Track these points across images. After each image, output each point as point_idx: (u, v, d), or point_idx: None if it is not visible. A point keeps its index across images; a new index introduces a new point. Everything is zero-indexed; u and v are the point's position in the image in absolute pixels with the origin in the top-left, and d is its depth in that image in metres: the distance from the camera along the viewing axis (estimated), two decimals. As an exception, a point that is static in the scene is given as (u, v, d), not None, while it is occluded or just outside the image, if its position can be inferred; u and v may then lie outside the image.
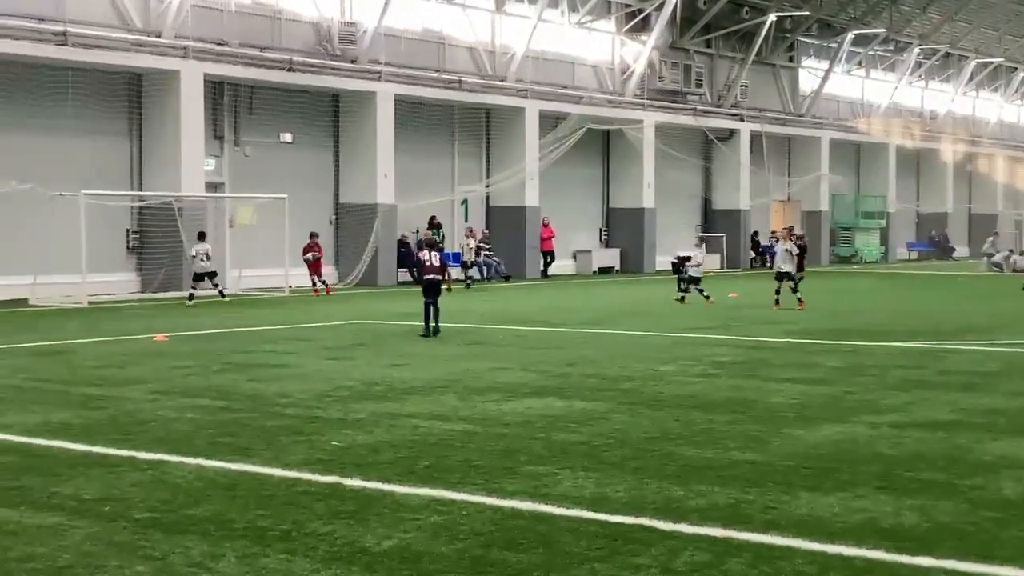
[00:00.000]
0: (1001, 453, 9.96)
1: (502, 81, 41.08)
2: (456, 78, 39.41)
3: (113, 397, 13.11)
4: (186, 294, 28.85)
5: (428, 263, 20.39)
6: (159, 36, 31.56)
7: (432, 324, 19.97)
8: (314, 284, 32.37)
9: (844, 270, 50.95)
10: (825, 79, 56.69)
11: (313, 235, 32.98)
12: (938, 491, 8.55)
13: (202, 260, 28.73)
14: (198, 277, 28.77)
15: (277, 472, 9.16)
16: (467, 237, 37.72)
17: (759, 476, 9.01)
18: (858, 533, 7.37)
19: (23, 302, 27.64)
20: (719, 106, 51.07)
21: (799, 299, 26.32)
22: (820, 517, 7.77)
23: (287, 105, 35.70)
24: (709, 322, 23.05)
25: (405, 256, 37.86)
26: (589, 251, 46.69)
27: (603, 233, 48.02)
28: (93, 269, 28.36)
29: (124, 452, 9.91)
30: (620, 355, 17.38)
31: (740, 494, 8.40)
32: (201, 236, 29.24)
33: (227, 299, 29.21)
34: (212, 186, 33.54)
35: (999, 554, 6.96)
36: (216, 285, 29.34)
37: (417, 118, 39.01)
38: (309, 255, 32.50)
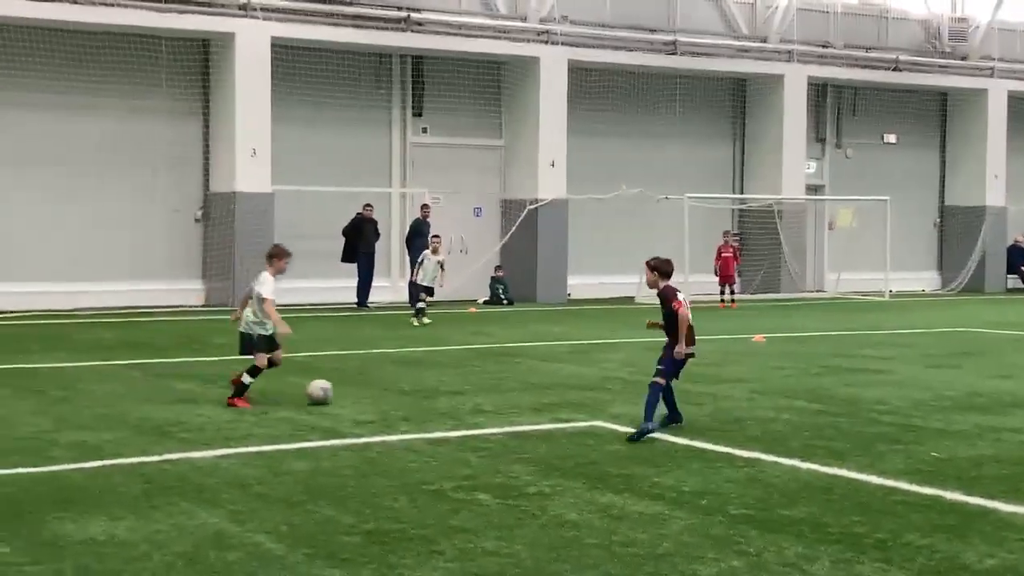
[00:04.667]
0: None
1: None
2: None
3: (712, 394, 13.47)
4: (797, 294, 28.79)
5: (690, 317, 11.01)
6: (764, 41, 32.03)
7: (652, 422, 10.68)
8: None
9: None
10: None
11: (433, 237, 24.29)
12: None
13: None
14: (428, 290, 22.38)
15: (873, 479, 8.99)
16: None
17: None
18: None
19: (630, 300, 29.12)
20: None
21: None
22: None
23: (891, 105, 34.91)
24: None
25: (1016, 260, 35.86)
26: None
27: None
28: (696, 270, 29.25)
29: (722, 448, 10.16)
30: None
31: None
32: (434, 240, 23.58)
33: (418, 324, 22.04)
34: (812, 188, 33.55)
35: None
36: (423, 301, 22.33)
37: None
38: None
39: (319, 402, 12.19)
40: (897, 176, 34.79)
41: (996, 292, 34.51)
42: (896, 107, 35.04)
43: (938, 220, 36.21)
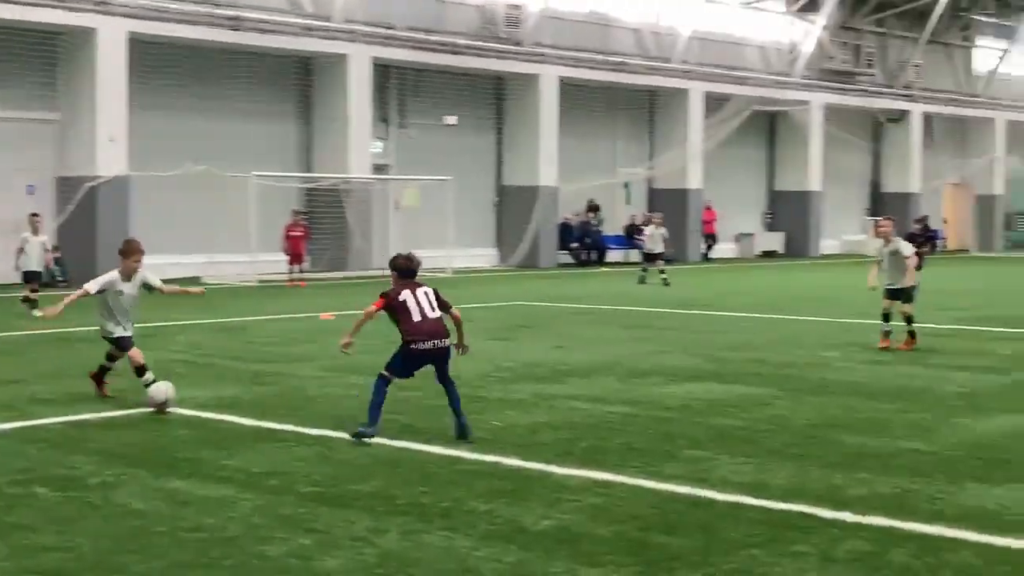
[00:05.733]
0: None
1: (666, 63, 40.76)
2: (620, 60, 39.26)
3: (282, 373, 13.46)
4: (316, 276, 29.20)
5: (422, 312, 9.77)
6: (328, 20, 32.19)
7: (459, 420, 9.85)
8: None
9: (1020, 256, 49.24)
10: (1002, 59, 54.73)
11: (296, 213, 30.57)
12: (1116, 486, 8.22)
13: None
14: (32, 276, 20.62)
15: (438, 450, 9.30)
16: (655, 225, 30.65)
17: (925, 466, 8.80)
18: (1029, 527, 7.15)
19: (195, 280, 28.52)
20: (890, 87, 49.78)
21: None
22: (988, 509, 7.56)
23: (452, 87, 36.08)
24: (877, 307, 22.52)
25: (567, 238, 38.16)
26: (752, 234, 46.10)
27: (767, 216, 47.34)
28: (264, 249, 29.08)
29: (291, 427, 10.18)
30: (783, 340, 17.14)
31: (905, 483, 8.23)
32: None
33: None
34: (378, 168, 34.13)
35: None
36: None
37: (581, 100, 39.00)
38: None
39: (161, 405, 10.81)
40: (458, 156, 36.02)
41: (549, 268, 36.46)
42: (456, 89, 36.26)
43: (496, 199, 37.84)
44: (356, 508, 7.53)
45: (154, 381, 11.01)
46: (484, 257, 37.14)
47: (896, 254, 16.23)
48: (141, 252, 11.53)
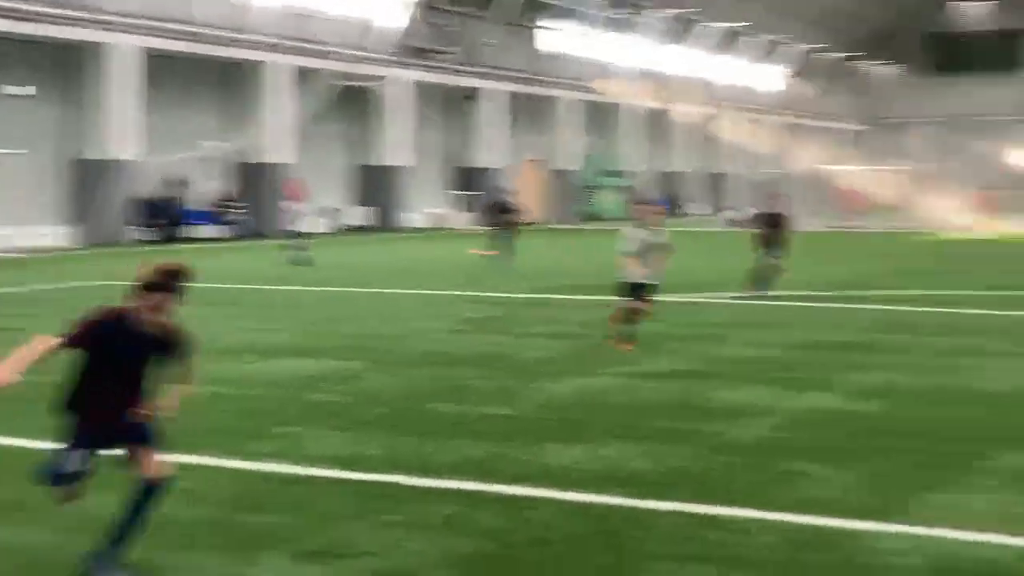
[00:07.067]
0: (737, 401, 10.41)
1: (247, 34, 40.18)
2: (199, 30, 38.32)
3: None
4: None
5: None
6: None
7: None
8: None
9: (587, 227, 52.14)
10: (567, 41, 57.67)
11: None
12: (675, 438, 8.88)
13: None
14: None
15: (19, 443, 8.76)
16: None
17: (510, 430, 9.16)
18: (599, 481, 7.59)
19: None
20: (468, 65, 51.37)
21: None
22: (566, 467, 7.97)
23: (23, 56, 34.02)
24: (458, 279, 23.25)
25: (149, 213, 37.03)
26: (340, 209, 46.41)
27: (355, 191, 47.78)
28: None
29: None
30: (372, 314, 17.35)
31: (493, 447, 8.53)
32: None
33: None
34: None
35: (735, 497, 7.27)
36: None
37: (163, 72, 37.79)
38: None
39: None
40: (31, 129, 34.10)
41: (130, 244, 35.16)
42: (29, 58, 34.27)
43: (73, 173, 36.08)
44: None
45: None
46: (59, 235, 35.34)
47: (663, 246, 13.74)
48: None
